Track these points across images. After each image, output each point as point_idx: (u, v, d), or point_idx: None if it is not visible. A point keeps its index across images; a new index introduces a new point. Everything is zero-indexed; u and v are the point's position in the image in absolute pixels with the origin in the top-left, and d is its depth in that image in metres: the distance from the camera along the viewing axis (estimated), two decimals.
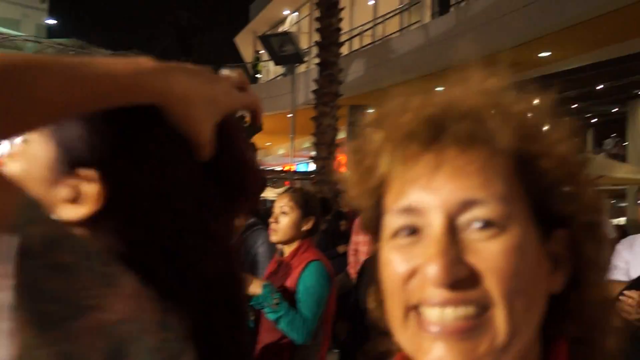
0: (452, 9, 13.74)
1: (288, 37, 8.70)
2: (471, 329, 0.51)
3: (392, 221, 0.57)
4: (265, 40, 8.97)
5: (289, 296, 2.63)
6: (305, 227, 2.78)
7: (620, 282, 2.64)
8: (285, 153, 20.16)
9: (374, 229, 0.62)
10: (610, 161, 11.21)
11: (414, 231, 0.55)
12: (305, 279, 2.66)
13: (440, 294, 0.51)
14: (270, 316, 2.57)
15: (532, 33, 10.18)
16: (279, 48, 8.59)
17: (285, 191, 2.97)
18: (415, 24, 15.06)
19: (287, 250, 2.80)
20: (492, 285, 0.51)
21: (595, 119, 13.01)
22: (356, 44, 18.10)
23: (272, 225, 2.79)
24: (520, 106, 0.58)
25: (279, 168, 20.45)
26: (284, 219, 2.77)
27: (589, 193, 0.58)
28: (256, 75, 23.10)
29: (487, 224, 0.52)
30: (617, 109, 11.71)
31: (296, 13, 23.40)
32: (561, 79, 9.88)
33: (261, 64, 21.91)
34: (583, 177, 0.58)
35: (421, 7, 15.51)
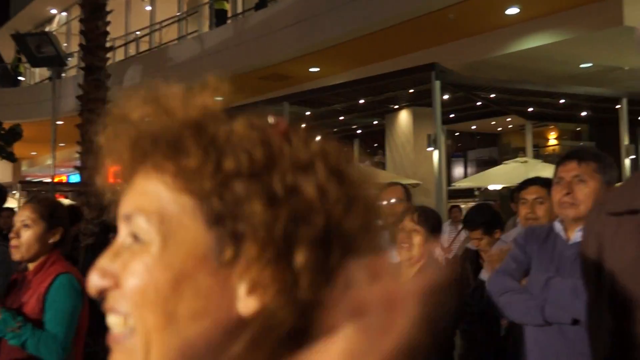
0: (229, 21, 13.95)
1: (47, 37, 7.91)
2: None
3: (122, 229, 0.54)
4: (20, 39, 8.03)
5: (35, 315, 2.37)
6: (52, 240, 2.52)
7: None
8: (51, 164, 18.42)
9: None
10: (372, 169, 12.35)
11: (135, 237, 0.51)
12: (53, 294, 2.42)
13: None
14: (13, 342, 2.27)
15: (303, 49, 10.80)
16: (36, 49, 7.76)
17: (27, 202, 2.69)
18: (193, 34, 14.96)
19: (32, 266, 2.51)
20: None
21: (360, 131, 14.24)
22: (132, 50, 17.39)
23: (13, 242, 2.47)
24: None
25: (45, 179, 18.64)
26: (26, 233, 2.48)
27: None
28: (18, 78, 20.81)
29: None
30: (377, 121, 12.95)
31: (65, 13, 21.65)
32: (330, 93, 10.61)
33: (22, 65, 19.77)
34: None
35: (199, 17, 15.47)
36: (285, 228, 0.47)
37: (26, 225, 2.49)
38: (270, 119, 0.53)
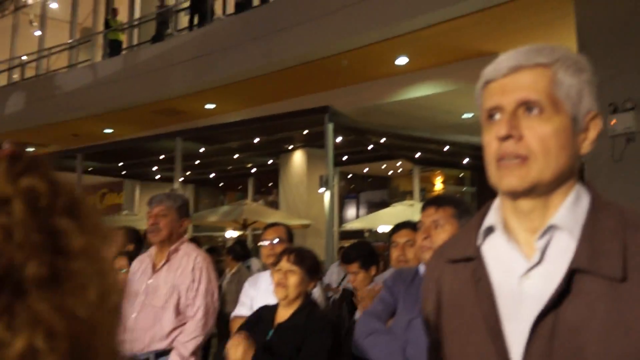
0: (123, 52, 13.58)
1: None
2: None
3: None
4: None
5: None
6: None
7: (244, 317, 2.79)
8: None
9: None
10: (264, 208, 12.35)
11: None
12: None
13: None
14: None
15: (198, 85, 10.70)
16: None
17: None
18: (85, 62, 14.40)
19: None
20: None
21: (254, 169, 14.24)
22: (17, 76, 16.42)
23: None
24: None
25: None
26: None
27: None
28: None
29: None
30: (272, 161, 13.02)
31: None
32: (225, 130, 10.55)
33: None
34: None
35: (92, 46, 14.94)
36: None
37: None
38: None
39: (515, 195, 0.98)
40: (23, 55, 16.69)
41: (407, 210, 9.93)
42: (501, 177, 0.97)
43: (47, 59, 16.15)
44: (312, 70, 9.55)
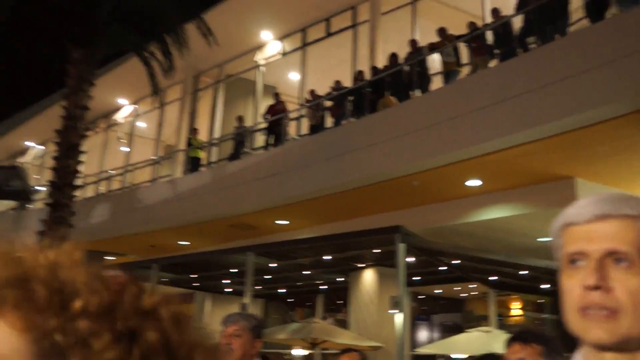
0: (202, 168, 14.31)
1: (16, 172, 7.99)
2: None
3: None
4: None
5: None
6: None
7: None
8: None
9: None
10: (333, 327, 12.03)
11: None
12: None
13: None
14: None
15: (271, 202, 11.00)
16: (4, 182, 7.78)
17: None
18: (166, 177, 15.24)
19: None
20: None
21: (324, 286, 14.08)
22: (105, 188, 17.51)
23: None
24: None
25: None
26: None
27: None
28: None
29: None
30: (342, 278, 12.87)
31: (42, 147, 22.04)
32: (296, 247, 10.65)
33: None
34: None
35: (173, 162, 15.87)
36: None
37: None
38: (112, 272, 0.58)
39: (602, 348, 0.94)
40: (111, 169, 17.89)
41: (483, 337, 9.39)
42: (588, 329, 0.93)
43: (132, 173, 17.24)
44: (383, 190, 9.66)
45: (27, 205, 15.63)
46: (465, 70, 10.25)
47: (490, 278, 11.87)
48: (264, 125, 13.67)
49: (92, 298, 0.53)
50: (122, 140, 19.86)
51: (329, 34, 14.56)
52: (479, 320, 12.70)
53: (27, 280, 0.53)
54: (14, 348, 0.51)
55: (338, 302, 15.30)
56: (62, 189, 8.73)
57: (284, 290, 15.25)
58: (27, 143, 22.84)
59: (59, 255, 0.57)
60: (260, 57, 16.06)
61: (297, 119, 13.13)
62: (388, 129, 9.31)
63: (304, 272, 12.75)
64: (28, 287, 0.53)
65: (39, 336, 0.51)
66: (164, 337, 0.54)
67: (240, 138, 13.91)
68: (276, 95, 13.95)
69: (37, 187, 15.58)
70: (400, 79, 10.85)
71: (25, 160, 22.45)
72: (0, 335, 0.52)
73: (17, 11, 9.71)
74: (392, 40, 12.54)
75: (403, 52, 11.35)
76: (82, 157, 9.45)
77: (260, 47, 15.97)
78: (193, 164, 14.45)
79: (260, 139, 13.69)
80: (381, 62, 12.13)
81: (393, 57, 11.38)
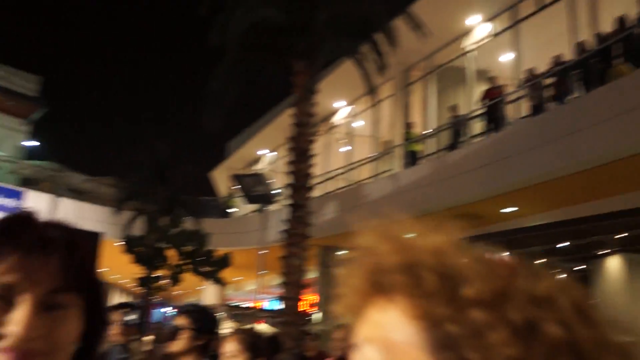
0: (423, 161, 14.42)
1: (260, 178, 9.02)
2: None
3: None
4: (239, 179, 9.24)
5: None
6: None
7: None
8: (254, 289, 19.87)
9: None
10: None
11: None
12: None
13: None
14: None
15: (495, 189, 10.63)
16: (251, 187, 8.85)
17: (232, 334, 2.86)
18: (386, 172, 15.68)
19: None
20: None
21: (562, 275, 13.20)
22: (330, 186, 18.67)
23: None
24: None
25: (247, 304, 20.01)
26: None
27: None
28: (227, 210, 23.36)
29: None
30: (581, 267, 11.94)
31: (274, 153, 24.25)
32: (528, 235, 10.16)
33: (236, 199, 22.26)
34: None
35: (392, 157, 16.26)
36: None
37: (232, 357, 2.70)
38: (497, 254, 0.54)
39: None
40: (334, 169, 19.01)
41: None
42: None
43: (354, 170, 18.08)
44: (630, 166, 8.70)
45: (267, 208, 17.37)
46: None
47: None
48: (480, 111, 13.31)
49: (482, 285, 0.49)
50: (342, 141, 20.96)
51: (542, 7, 13.60)
52: None
53: (415, 266, 0.52)
54: (407, 335, 0.50)
55: None
56: (299, 191, 9.53)
57: None
58: (259, 152, 25.34)
59: (442, 241, 0.55)
60: (469, 43, 15.65)
61: (515, 100, 12.52)
62: (622, 101, 8.38)
63: (536, 262, 12.10)
64: (416, 273, 0.51)
65: (430, 325, 0.49)
66: (567, 331, 0.46)
67: (457, 127, 13.73)
68: (492, 79, 13.48)
69: (275, 191, 17.26)
70: (631, 44, 9.70)
71: (260, 167, 24.95)
72: (393, 322, 0.51)
73: (246, 35, 10.84)
74: (616, 2, 11.26)
75: (632, 12, 10.12)
76: (312, 161, 10.21)
77: (467, 32, 15.57)
78: (411, 158, 14.66)
79: (477, 126, 13.35)
80: (606, 28, 10.97)
81: (620, 20, 10.22)
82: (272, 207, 17.26)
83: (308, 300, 9.57)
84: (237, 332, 2.87)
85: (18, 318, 0.74)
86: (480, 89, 14.17)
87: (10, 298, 0.77)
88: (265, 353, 2.76)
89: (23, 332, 0.73)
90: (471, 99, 15.05)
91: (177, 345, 2.85)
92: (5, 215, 0.85)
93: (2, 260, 0.78)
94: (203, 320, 2.93)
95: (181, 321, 2.90)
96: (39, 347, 0.74)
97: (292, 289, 8.90)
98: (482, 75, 15.03)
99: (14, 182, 19.94)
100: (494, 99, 12.61)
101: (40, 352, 0.74)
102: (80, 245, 0.85)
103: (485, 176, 10.86)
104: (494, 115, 12.42)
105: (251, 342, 2.72)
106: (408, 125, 15.89)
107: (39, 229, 0.82)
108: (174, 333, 2.87)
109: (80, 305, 0.83)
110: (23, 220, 0.84)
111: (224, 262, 15.11)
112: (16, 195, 17.81)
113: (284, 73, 11.15)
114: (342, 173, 18.51)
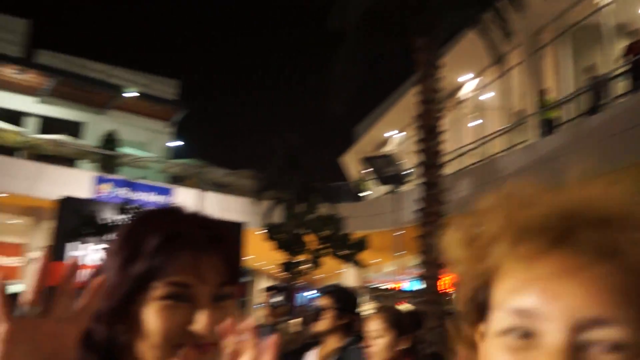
0: (564, 127, 13.55)
1: (390, 159, 9.01)
2: None
3: (502, 319, 0.54)
4: (370, 161, 9.32)
5: None
6: (401, 347, 2.72)
7: None
8: (393, 270, 20.00)
9: (472, 315, 0.59)
10: None
11: (526, 334, 0.51)
12: None
13: None
14: None
15: None
16: (382, 169, 8.88)
17: (376, 312, 2.89)
18: (521, 144, 14.95)
19: None
20: None
21: None
22: (463, 163, 18.19)
23: (368, 350, 2.75)
24: None
25: (387, 285, 20.25)
26: (378, 342, 2.72)
27: None
28: (360, 194, 23.61)
29: (616, 348, 0.48)
30: None
31: (403, 133, 24.08)
32: None
33: (368, 182, 22.44)
34: None
35: (526, 127, 15.46)
36: None
37: (378, 335, 2.76)
38: None
39: None
40: (466, 144, 18.47)
41: None
42: None
43: (487, 144, 17.43)
44: None
45: (399, 188, 17.35)
46: None
47: None
48: (623, 69, 12.21)
49: None
50: (471, 115, 20.30)
51: None
52: None
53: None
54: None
55: None
56: (430, 169, 9.41)
57: None
58: (387, 134, 25.28)
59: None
60: None
61: None
62: None
63: None
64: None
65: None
66: None
67: (597, 89, 12.72)
68: (635, 32, 12.30)
69: (406, 171, 17.13)
70: None
71: (390, 148, 24.91)
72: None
73: (365, 17, 10.83)
74: None
75: None
76: (441, 137, 10.01)
77: None
78: (548, 126, 13.84)
79: (620, 86, 12.26)
80: None
81: None
82: (404, 188, 17.20)
83: (448, 280, 9.45)
84: (381, 310, 2.91)
85: (203, 319, 0.81)
86: (620, 45, 12.99)
87: (186, 296, 0.82)
88: (409, 330, 2.79)
89: (208, 332, 0.80)
90: (610, 58, 13.84)
91: (322, 324, 3.01)
92: (166, 211, 0.91)
93: (175, 258, 0.82)
94: (345, 300, 3.06)
95: (324, 301, 3.05)
96: (213, 339, 0.80)
97: (431, 268, 8.85)
98: (622, 30, 13.75)
99: (164, 180, 21.77)
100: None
101: (214, 342, 0.80)
102: (236, 240, 0.95)
103: (635, 140, 9.98)
104: (639, 72, 11.34)
105: (396, 319, 2.76)
106: (542, 92, 15.00)
107: (206, 227, 0.88)
108: (317, 313, 3.03)
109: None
110: (188, 218, 0.89)
111: (361, 245, 15.36)
112: (167, 192, 19.40)
113: (405, 51, 11.01)
114: (474, 148, 17.93)
